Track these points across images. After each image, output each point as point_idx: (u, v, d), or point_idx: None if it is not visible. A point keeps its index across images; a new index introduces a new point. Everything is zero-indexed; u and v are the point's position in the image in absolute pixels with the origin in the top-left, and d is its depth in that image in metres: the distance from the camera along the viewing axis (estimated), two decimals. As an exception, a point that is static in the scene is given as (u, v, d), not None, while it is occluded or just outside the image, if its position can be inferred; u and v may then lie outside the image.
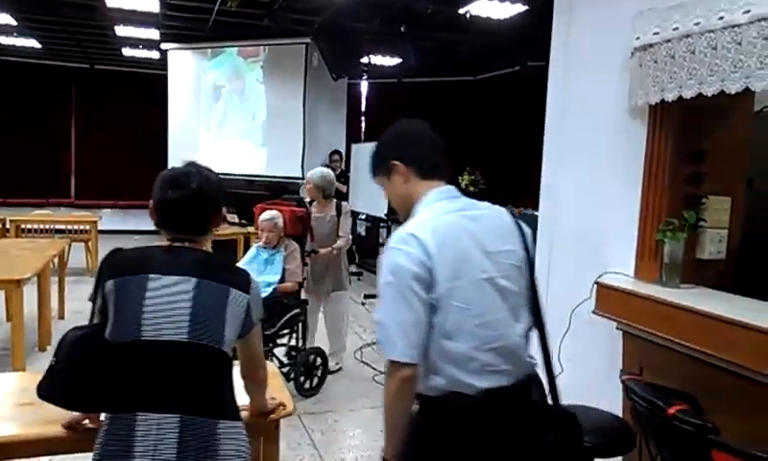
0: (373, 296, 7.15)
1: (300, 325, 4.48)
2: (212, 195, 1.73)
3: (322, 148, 9.35)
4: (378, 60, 9.93)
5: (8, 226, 7.87)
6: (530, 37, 6.59)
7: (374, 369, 4.85)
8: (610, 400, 2.49)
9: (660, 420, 1.69)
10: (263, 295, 4.06)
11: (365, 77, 11.56)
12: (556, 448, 1.59)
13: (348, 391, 4.51)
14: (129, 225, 11.69)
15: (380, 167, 1.75)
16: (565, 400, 2.64)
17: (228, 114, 9.62)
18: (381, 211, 7.98)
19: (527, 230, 1.71)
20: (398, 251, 1.52)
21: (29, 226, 8.04)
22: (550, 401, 1.68)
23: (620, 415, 2.47)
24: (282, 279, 4.27)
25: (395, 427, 1.54)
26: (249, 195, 7.75)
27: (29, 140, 11.56)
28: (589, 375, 2.79)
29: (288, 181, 8.71)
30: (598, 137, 2.90)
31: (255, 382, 1.88)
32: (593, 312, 2.62)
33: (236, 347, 1.75)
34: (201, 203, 1.71)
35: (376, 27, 7.71)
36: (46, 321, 5.05)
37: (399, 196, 1.72)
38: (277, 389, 2.22)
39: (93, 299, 1.67)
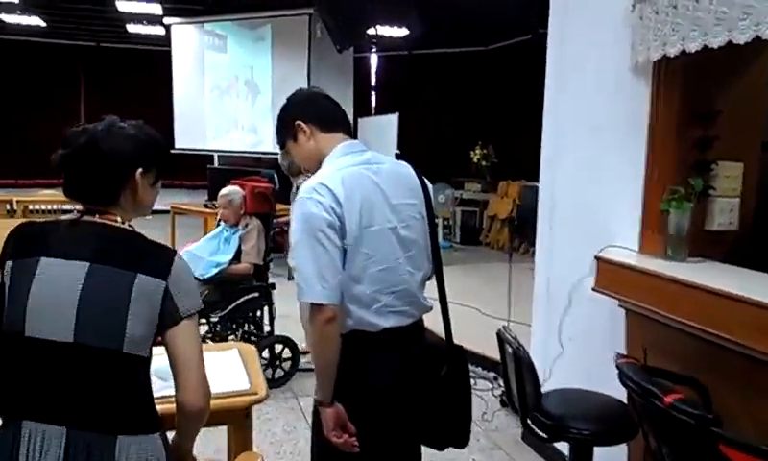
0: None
1: (266, 310, 4.18)
2: (114, 152, 1.37)
3: (328, 123, 9.17)
4: (385, 31, 9.68)
5: (15, 206, 7.85)
6: (541, 2, 6.32)
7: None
8: (613, 383, 2.32)
9: (656, 409, 1.52)
10: (208, 274, 3.95)
11: (373, 50, 11.32)
12: (449, 380, 1.79)
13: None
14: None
15: (285, 132, 1.83)
16: (566, 382, 2.50)
17: (231, 89, 9.47)
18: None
19: (429, 184, 1.84)
20: (310, 200, 1.59)
21: (37, 206, 8.01)
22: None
23: (624, 400, 2.29)
24: (238, 261, 4.01)
25: (326, 370, 1.64)
26: (254, 172, 7.61)
27: (36, 121, 11.53)
28: (591, 355, 2.62)
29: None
30: (598, 102, 2.69)
31: (183, 411, 1.38)
32: (593, 289, 2.44)
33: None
34: (94, 161, 1.36)
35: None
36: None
37: (307, 153, 1.80)
38: (254, 374, 2.09)
39: None
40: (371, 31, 9.37)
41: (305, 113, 1.79)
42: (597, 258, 2.41)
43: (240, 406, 1.95)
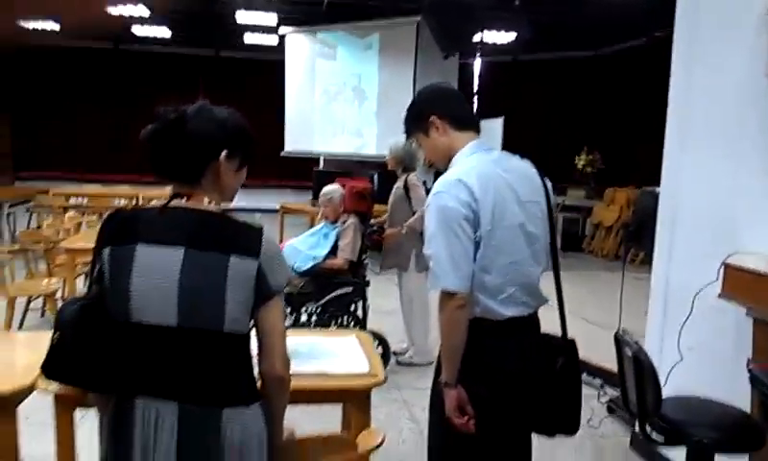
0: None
1: (360, 306, 4.29)
2: (199, 131, 1.39)
3: (432, 127, 9.28)
4: (491, 36, 9.67)
5: (140, 202, 8.54)
6: (657, 5, 6.11)
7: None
8: (735, 394, 2.25)
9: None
10: (305, 267, 4.16)
11: (477, 55, 11.33)
12: (565, 372, 1.85)
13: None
14: (250, 203, 12.34)
15: (417, 124, 1.90)
16: (683, 390, 2.44)
17: (339, 95, 9.80)
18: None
19: (549, 183, 1.90)
20: (447, 194, 1.70)
21: (158, 202, 8.66)
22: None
23: (748, 411, 2.22)
24: (335, 256, 4.16)
25: (453, 354, 1.73)
26: (357, 174, 7.87)
27: (160, 124, 12.45)
28: (713, 365, 2.54)
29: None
30: (731, 106, 2.60)
31: (268, 378, 1.42)
32: (720, 296, 2.37)
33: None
34: (179, 137, 1.38)
35: (490, 1, 7.49)
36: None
37: (437, 149, 1.88)
38: (373, 359, 2.22)
39: (92, 266, 1.42)
40: (476, 37, 9.40)
41: (441, 109, 1.85)
42: (726, 265, 2.34)
43: (362, 387, 2.07)
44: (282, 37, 10.25)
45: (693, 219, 2.88)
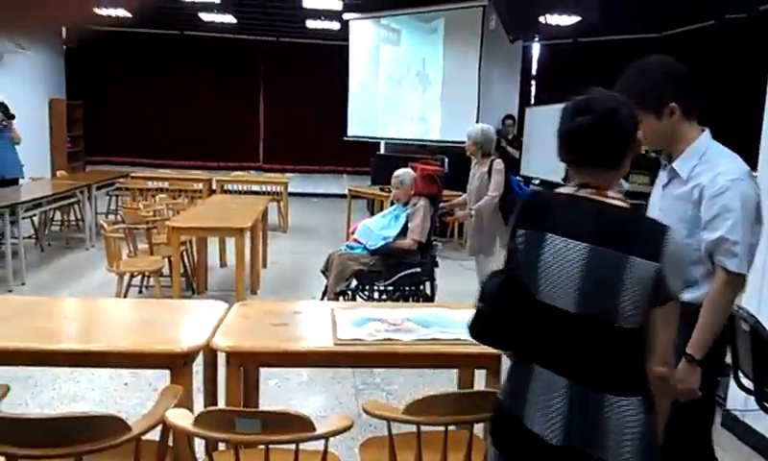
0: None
1: (428, 286, 4.46)
2: (626, 120, 1.47)
3: (495, 112, 9.32)
4: (554, 19, 9.60)
5: (213, 186, 8.90)
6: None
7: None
8: None
9: None
10: (376, 246, 4.35)
11: (537, 38, 11.25)
12: None
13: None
14: (309, 188, 12.63)
15: (649, 105, 1.87)
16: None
17: (403, 81, 9.92)
18: (557, 175, 7.81)
19: None
20: (746, 183, 1.80)
21: (230, 186, 9.01)
22: None
23: None
24: (405, 237, 4.34)
25: (717, 333, 1.83)
26: (419, 158, 8.00)
27: (224, 110, 12.83)
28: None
29: (461, 145, 8.83)
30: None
31: (652, 376, 1.47)
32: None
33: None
34: (611, 126, 1.45)
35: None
36: (257, 267, 5.70)
37: (664, 134, 1.92)
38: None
39: (510, 242, 1.58)
40: (541, 19, 9.35)
41: (683, 97, 1.89)
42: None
43: (493, 354, 2.18)
44: (345, 23, 10.41)
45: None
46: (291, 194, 9.41)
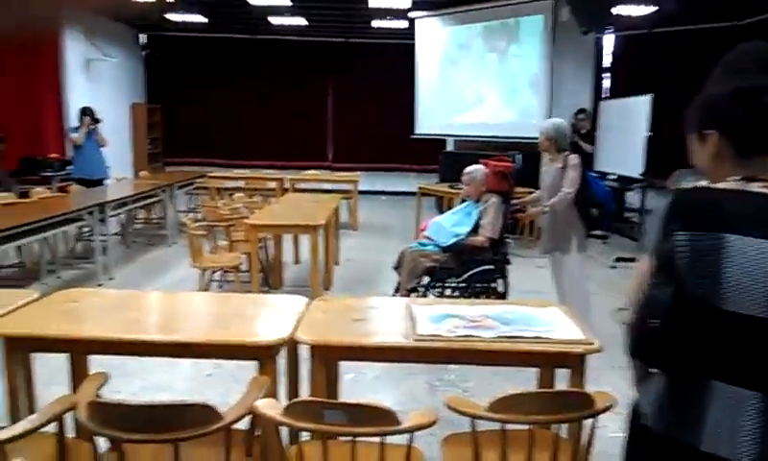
0: (628, 259, 6.89)
1: (501, 283, 4.41)
2: None
3: (567, 107, 9.11)
4: (628, 9, 9.29)
5: (286, 185, 9.11)
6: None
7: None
8: None
9: None
10: (447, 243, 4.28)
11: (610, 30, 10.90)
12: None
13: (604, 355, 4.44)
14: (377, 186, 12.73)
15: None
16: None
17: (472, 77, 9.84)
18: (634, 170, 7.55)
19: None
20: None
21: (302, 185, 9.20)
22: None
23: None
24: (476, 234, 4.30)
25: None
26: (486, 156, 7.90)
27: (295, 111, 13.12)
28: None
29: (533, 141, 8.68)
30: None
31: None
32: None
33: None
34: None
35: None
36: (330, 264, 5.80)
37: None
38: (583, 328, 2.32)
39: (657, 243, 1.42)
40: (614, 10, 9.06)
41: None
42: None
43: (578, 353, 2.16)
44: (412, 21, 10.42)
45: None
46: (360, 192, 9.51)
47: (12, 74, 8.85)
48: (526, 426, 1.82)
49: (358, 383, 3.67)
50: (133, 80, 12.68)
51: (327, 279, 5.71)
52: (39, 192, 6.34)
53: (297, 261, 6.62)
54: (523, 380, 2.87)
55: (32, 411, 2.25)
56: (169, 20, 11.30)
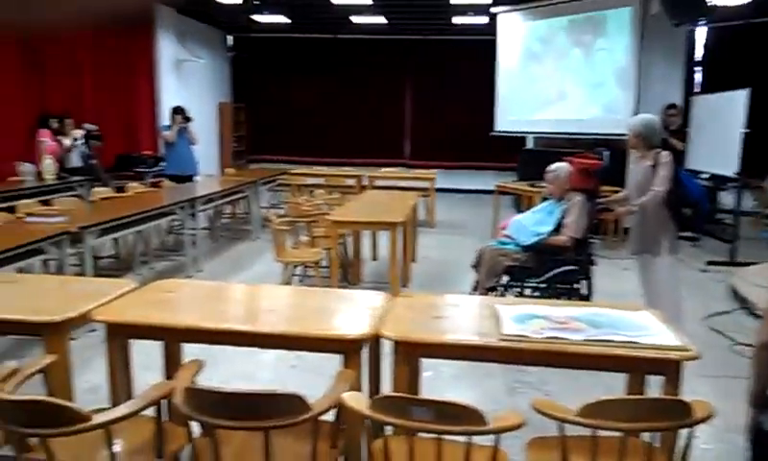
0: (721, 263, 6.52)
1: (584, 285, 4.26)
2: None
3: (655, 102, 8.71)
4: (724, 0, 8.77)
5: (364, 182, 9.21)
6: None
7: (730, 339, 4.47)
8: None
9: None
10: (528, 242, 4.14)
11: (703, 22, 10.33)
12: None
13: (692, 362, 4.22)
14: (453, 184, 12.65)
15: None
16: None
17: (554, 73, 9.60)
18: (729, 169, 7.13)
19: None
20: None
21: (379, 182, 9.28)
22: None
23: None
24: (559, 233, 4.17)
25: None
26: (568, 153, 7.67)
27: (373, 109, 13.25)
28: None
29: (618, 138, 8.36)
30: None
31: None
32: None
33: None
34: None
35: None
36: (407, 262, 5.83)
37: None
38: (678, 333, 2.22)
39: None
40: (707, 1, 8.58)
41: None
42: None
43: (674, 359, 2.06)
44: (492, 17, 10.28)
45: None
46: (437, 190, 9.48)
47: (110, 75, 9.40)
48: (616, 434, 1.76)
49: (436, 381, 3.66)
50: (220, 80, 13.20)
51: (405, 276, 5.74)
52: (135, 187, 6.71)
53: (374, 258, 6.68)
54: (606, 386, 2.78)
55: (129, 395, 2.38)
56: (254, 21, 11.67)
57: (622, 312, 2.40)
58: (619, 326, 2.23)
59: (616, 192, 4.76)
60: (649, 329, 2.21)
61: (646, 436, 1.94)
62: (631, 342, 2.09)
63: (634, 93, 8.32)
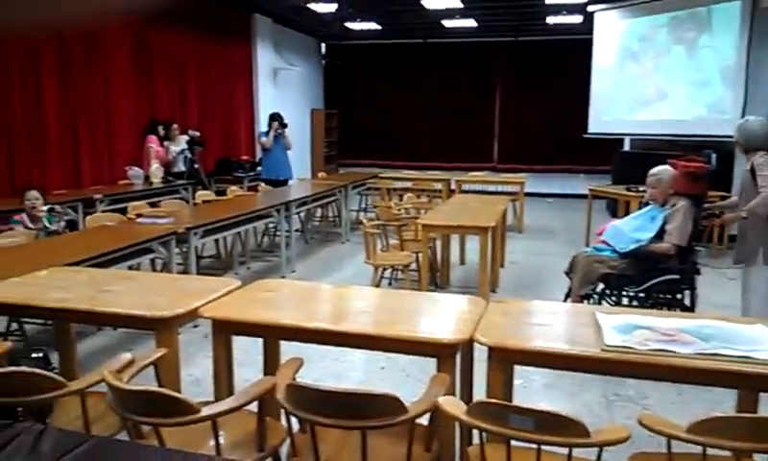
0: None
1: (689, 294, 4.01)
2: None
3: (765, 101, 8.12)
4: None
5: (452, 185, 9.18)
6: None
7: None
8: None
9: None
10: (627, 249, 3.90)
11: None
12: None
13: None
14: (542, 188, 12.36)
15: None
16: None
17: (654, 73, 9.18)
18: None
19: None
20: None
21: (468, 186, 9.22)
22: None
23: None
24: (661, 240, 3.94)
25: None
26: (667, 155, 7.28)
27: (461, 112, 13.19)
28: None
29: (725, 139, 7.86)
30: None
31: None
32: None
33: None
34: None
35: None
36: (496, 266, 5.76)
37: None
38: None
39: None
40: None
41: None
42: None
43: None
44: (588, 16, 9.97)
45: None
46: (526, 194, 9.31)
47: (212, 83, 9.90)
48: (724, 453, 1.66)
49: (528, 390, 3.60)
50: (314, 87, 13.59)
51: (494, 281, 5.67)
52: (234, 191, 7.03)
53: (462, 262, 6.64)
54: (710, 401, 2.63)
55: (231, 389, 2.49)
56: (348, 29, 11.93)
57: (733, 325, 2.27)
58: (731, 339, 2.10)
59: (722, 198, 4.49)
60: (765, 344, 2.07)
61: (758, 458, 1.82)
62: (745, 357, 1.96)
63: (741, 92, 7.80)
